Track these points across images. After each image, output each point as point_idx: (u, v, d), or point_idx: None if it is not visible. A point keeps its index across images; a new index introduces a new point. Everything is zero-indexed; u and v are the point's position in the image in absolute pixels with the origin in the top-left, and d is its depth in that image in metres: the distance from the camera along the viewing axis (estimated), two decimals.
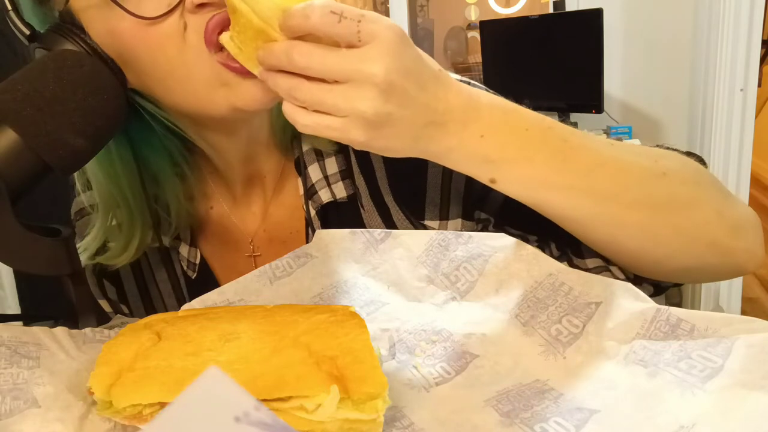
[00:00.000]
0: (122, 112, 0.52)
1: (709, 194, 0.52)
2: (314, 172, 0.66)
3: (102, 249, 0.67)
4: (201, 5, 0.49)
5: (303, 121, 0.42)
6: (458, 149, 0.45)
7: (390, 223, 0.66)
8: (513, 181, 0.47)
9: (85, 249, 0.67)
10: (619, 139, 2.14)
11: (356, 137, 0.42)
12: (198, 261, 0.69)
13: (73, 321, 0.52)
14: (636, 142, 2.37)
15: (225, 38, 0.46)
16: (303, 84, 0.41)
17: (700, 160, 0.56)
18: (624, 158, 0.49)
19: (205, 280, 0.69)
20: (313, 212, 0.65)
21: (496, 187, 0.48)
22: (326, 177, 0.66)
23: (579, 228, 0.52)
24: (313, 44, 0.40)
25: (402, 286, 0.56)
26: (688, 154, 0.56)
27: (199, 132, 0.62)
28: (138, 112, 0.57)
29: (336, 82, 0.41)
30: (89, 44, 0.51)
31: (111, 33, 0.51)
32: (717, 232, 0.51)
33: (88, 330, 0.51)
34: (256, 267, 0.68)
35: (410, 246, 0.57)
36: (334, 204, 0.66)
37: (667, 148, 0.56)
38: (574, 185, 0.47)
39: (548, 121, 0.48)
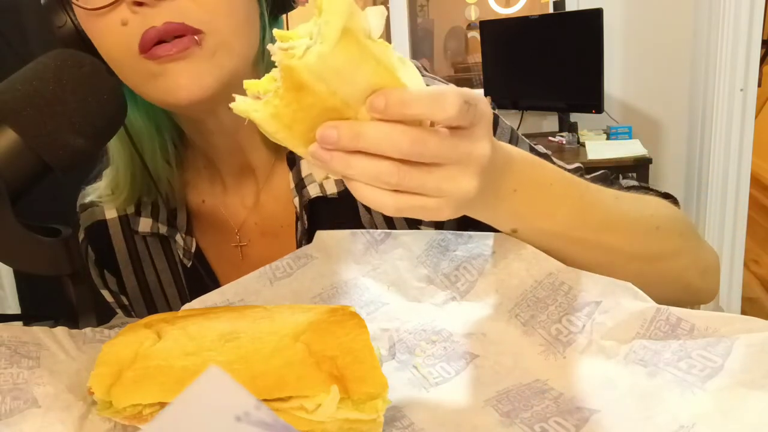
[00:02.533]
0: (122, 112, 0.52)
1: (690, 244, 0.59)
2: (305, 166, 0.66)
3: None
4: (138, 3, 0.50)
5: (396, 205, 0.38)
6: (490, 202, 0.44)
7: (390, 224, 0.66)
8: (533, 233, 0.50)
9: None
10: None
11: (448, 213, 0.39)
12: (193, 249, 0.70)
13: (73, 321, 0.52)
14: (636, 142, 2.37)
15: (260, 113, 0.36)
16: (401, 169, 0.36)
17: (675, 202, 0.61)
18: (628, 215, 0.54)
19: (201, 269, 0.70)
20: (299, 207, 0.66)
21: (516, 236, 0.50)
22: None
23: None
24: (421, 129, 0.36)
25: (402, 286, 0.56)
26: (665, 195, 0.61)
27: (173, 117, 0.65)
28: None
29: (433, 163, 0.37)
30: (74, 16, 0.54)
31: (78, 12, 0.54)
32: (692, 276, 0.58)
33: (88, 330, 0.51)
34: (242, 257, 0.70)
35: (410, 246, 0.57)
36: (324, 199, 0.66)
37: (646, 190, 0.61)
38: (586, 239, 0.50)
39: (567, 176, 0.50)
